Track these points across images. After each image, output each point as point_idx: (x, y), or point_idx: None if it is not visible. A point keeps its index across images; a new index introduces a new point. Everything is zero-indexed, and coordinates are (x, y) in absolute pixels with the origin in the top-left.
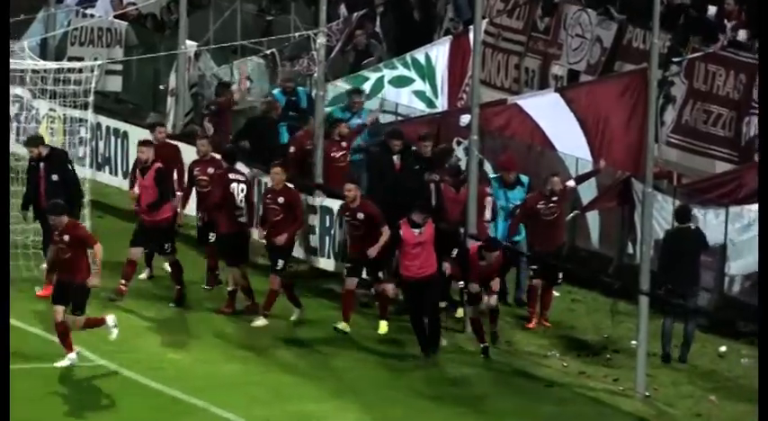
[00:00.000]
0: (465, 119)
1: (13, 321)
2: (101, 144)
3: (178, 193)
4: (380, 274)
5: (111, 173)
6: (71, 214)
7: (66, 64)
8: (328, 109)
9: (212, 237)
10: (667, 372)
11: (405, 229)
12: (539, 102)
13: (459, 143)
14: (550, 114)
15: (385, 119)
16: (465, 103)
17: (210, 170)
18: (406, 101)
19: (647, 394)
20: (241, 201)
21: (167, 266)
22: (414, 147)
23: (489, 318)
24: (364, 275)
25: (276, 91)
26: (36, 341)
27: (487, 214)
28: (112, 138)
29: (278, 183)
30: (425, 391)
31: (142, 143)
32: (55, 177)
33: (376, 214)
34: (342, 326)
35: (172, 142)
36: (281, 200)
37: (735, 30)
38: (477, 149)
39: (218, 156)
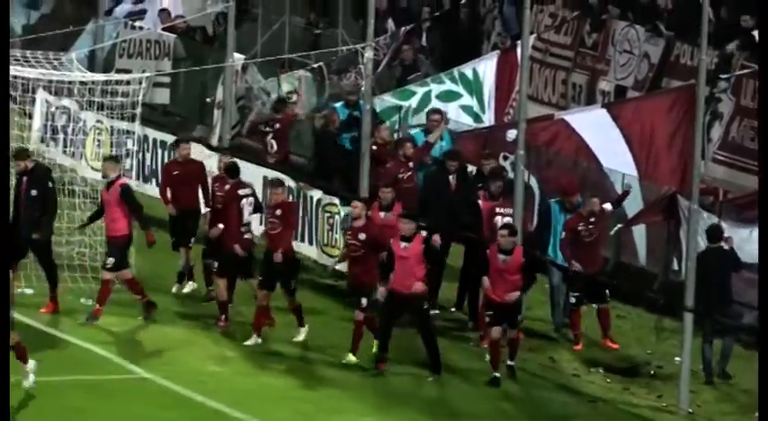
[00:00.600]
0: (512, 134)
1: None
2: (147, 156)
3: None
4: (363, 301)
5: (157, 185)
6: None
7: (113, 76)
8: (412, 131)
9: (215, 266)
10: (711, 389)
11: (395, 240)
12: (585, 117)
13: (505, 158)
14: (597, 130)
15: None
16: (512, 118)
17: (227, 187)
18: (454, 116)
19: (690, 411)
20: (249, 214)
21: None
22: (473, 167)
23: (509, 349)
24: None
25: (339, 104)
26: (79, 351)
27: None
28: (159, 151)
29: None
30: (466, 406)
31: (107, 159)
32: (34, 192)
33: (380, 238)
34: (348, 359)
35: (197, 159)
36: (278, 212)
37: None
38: (523, 165)
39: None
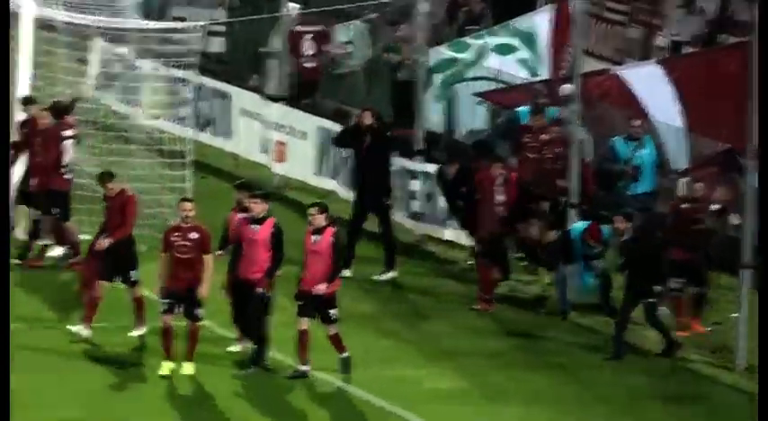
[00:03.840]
0: (566, 88)
1: None
2: (203, 105)
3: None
4: (198, 312)
5: (212, 134)
6: None
7: (170, 24)
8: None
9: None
10: None
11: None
12: (639, 72)
13: None
14: (650, 85)
15: (487, 86)
16: (566, 72)
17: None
18: (512, 69)
19: (746, 366)
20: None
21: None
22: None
23: (333, 345)
24: None
25: (522, 108)
26: None
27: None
28: (215, 99)
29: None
30: (521, 361)
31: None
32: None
33: (206, 236)
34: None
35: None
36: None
37: None
38: (577, 119)
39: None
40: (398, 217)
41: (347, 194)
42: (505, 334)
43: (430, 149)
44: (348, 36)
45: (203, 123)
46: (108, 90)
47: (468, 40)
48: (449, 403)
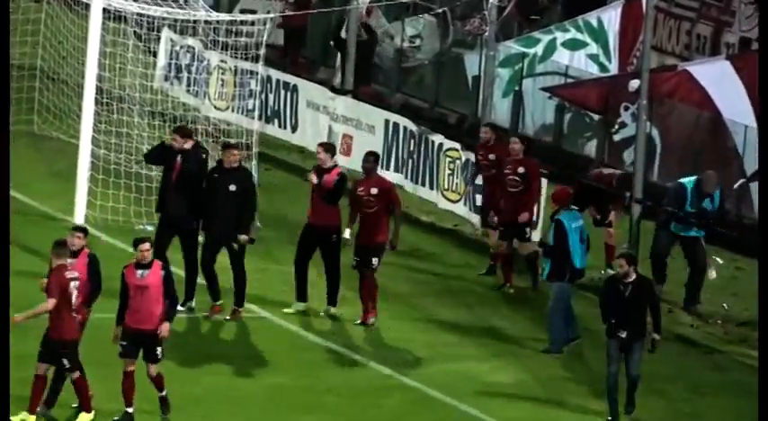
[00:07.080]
0: (634, 84)
1: None
2: (270, 97)
3: None
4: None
5: (279, 126)
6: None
7: (238, 16)
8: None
9: None
10: None
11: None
12: (708, 69)
13: (626, 108)
14: (719, 82)
15: (554, 81)
16: (635, 67)
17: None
18: (583, 64)
19: None
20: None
21: None
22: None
23: (155, 384)
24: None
25: (688, 180)
26: None
27: None
28: (282, 92)
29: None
30: (582, 353)
31: None
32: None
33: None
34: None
35: None
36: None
37: None
38: (645, 115)
39: None
40: (463, 211)
41: (413, 188)
42: None
43: None
44: (417, 30)
45: (270, 115)
46: (176, 81)
47: (537, 34)
48: (509, 397)
